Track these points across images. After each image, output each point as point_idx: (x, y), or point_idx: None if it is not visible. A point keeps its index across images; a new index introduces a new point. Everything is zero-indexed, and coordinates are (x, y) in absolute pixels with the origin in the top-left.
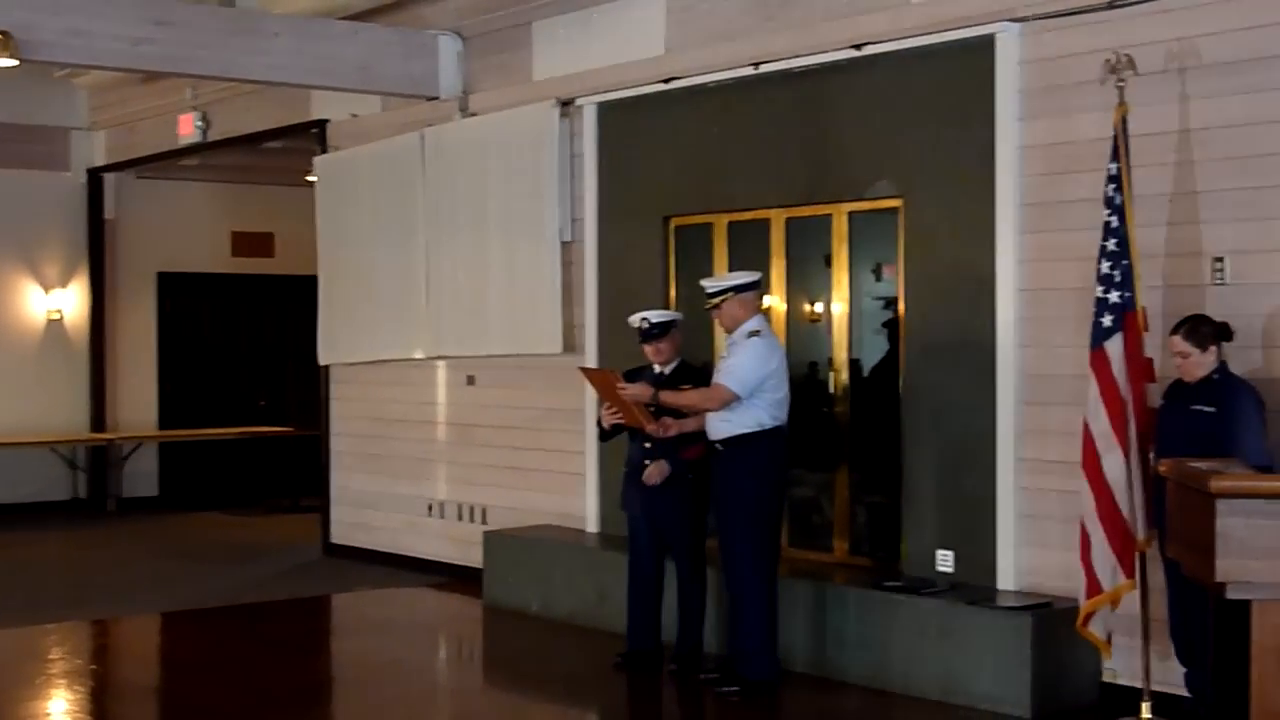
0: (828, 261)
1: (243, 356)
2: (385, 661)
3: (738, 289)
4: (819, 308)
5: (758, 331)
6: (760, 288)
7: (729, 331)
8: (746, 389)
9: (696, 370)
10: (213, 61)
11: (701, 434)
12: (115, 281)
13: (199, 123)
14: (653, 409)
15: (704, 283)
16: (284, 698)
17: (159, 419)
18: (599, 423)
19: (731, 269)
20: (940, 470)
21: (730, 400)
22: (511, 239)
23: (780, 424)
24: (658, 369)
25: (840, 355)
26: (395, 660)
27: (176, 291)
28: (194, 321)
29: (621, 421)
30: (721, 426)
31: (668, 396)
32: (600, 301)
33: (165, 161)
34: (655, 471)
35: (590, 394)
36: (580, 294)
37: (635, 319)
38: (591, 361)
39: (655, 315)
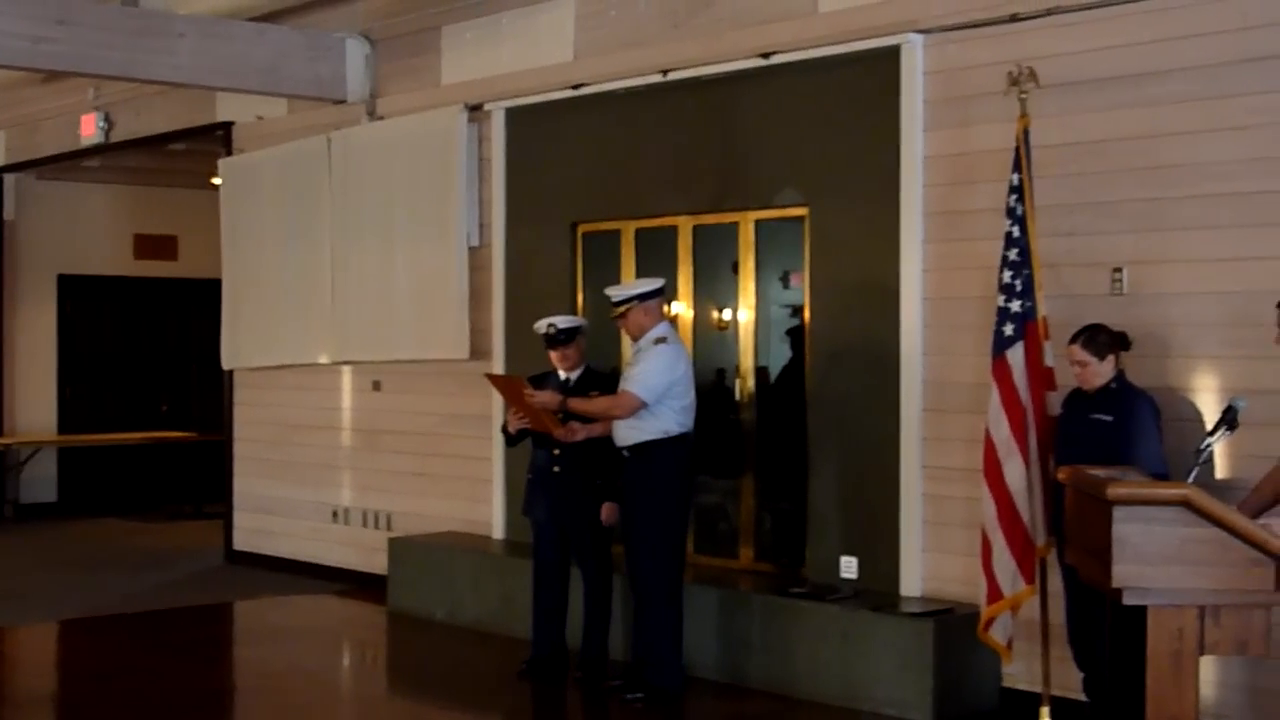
0: (735, 269)
1: (145, 360)
2: (288, 669)
3: (642, 296)
4: (726, 315)
5: (664, 339)
6: (665, 295)
7: (635, 339)
8: (653, 396)
9: (603, 377)
10: (116, 61)
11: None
12: (14, 284)
13: (102, 123)
14: (560, 415)
15: (609, 291)
16: (185, 706)
17: (58, 423)
18: (504, 428)
19: (639, 276)
20: (844, 477)
21: (637, 407)
22: (418, 243)
23: (687, 431)
24: (564, 375)
25: (747, 362)
26: (298, 668)
27: (77, 294)
28: (95, 325)
29: (528, 427)
30: (628, 434)
31: (576, 403)
32: (507, 307)
33: (67, 162)
34: (611, 513)
35: (497, 399)
36: (487, 299)
37: (542, 324)
38: (498, 367)
39: (562, 321)
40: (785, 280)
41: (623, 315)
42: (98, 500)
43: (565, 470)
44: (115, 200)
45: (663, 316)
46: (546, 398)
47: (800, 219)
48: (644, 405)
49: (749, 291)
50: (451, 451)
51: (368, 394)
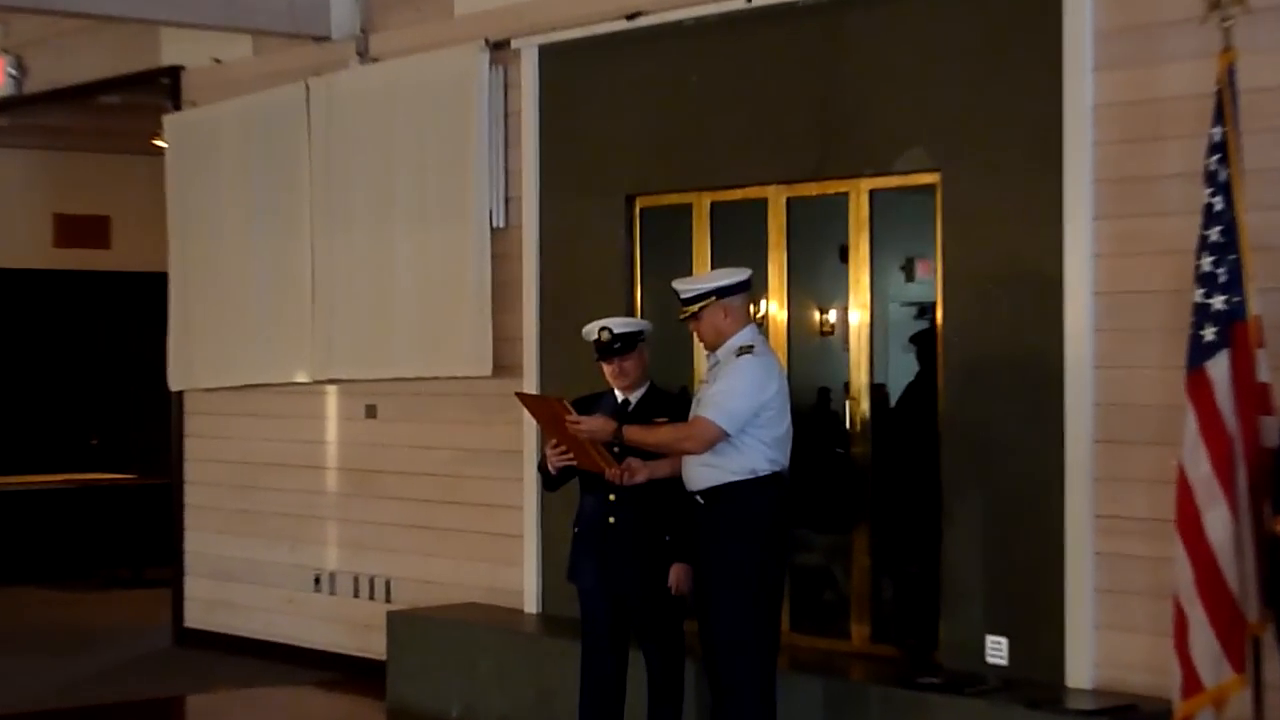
0: (843, 255)
1: (69, 379)
2: None
3: (722, 292)
4: (832, 316)
5: (750, 348)
6: (751, 290)
7: (711, 349)
8: (736, 423)
9: (671, 398)
10: None
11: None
12: None
13: (11, 70)
14: (615, 449)
15: (678, 285)
16: None
17: None
18: (541, 466)
19: (715, 265)
20: (991, 530)
21: (715, 438)
22: (426, 225)
23: (780, 469)
24: (620, 396)
25: (859, 379)
26: None
27: None
28: (3, 332)
29: (573, 464)
30: (703, 473)
31: (634, 433)
32: (543, 307)
33: None
34: (682, 578)
35: (531, 428)
36: (516, 297)
37: (592, 329)
38: (531, 386)
39: (618, 324)
40: (910, 270)
41: (695, 317)
42: (12, 563)
43: (622, 522)
44: (29, 170)
45: (749, 319)
46: (597, 425)
47: (930, 189)
48: (724, 436)
49: (862, 285)
50: (470, 498)
51: (360, 423)
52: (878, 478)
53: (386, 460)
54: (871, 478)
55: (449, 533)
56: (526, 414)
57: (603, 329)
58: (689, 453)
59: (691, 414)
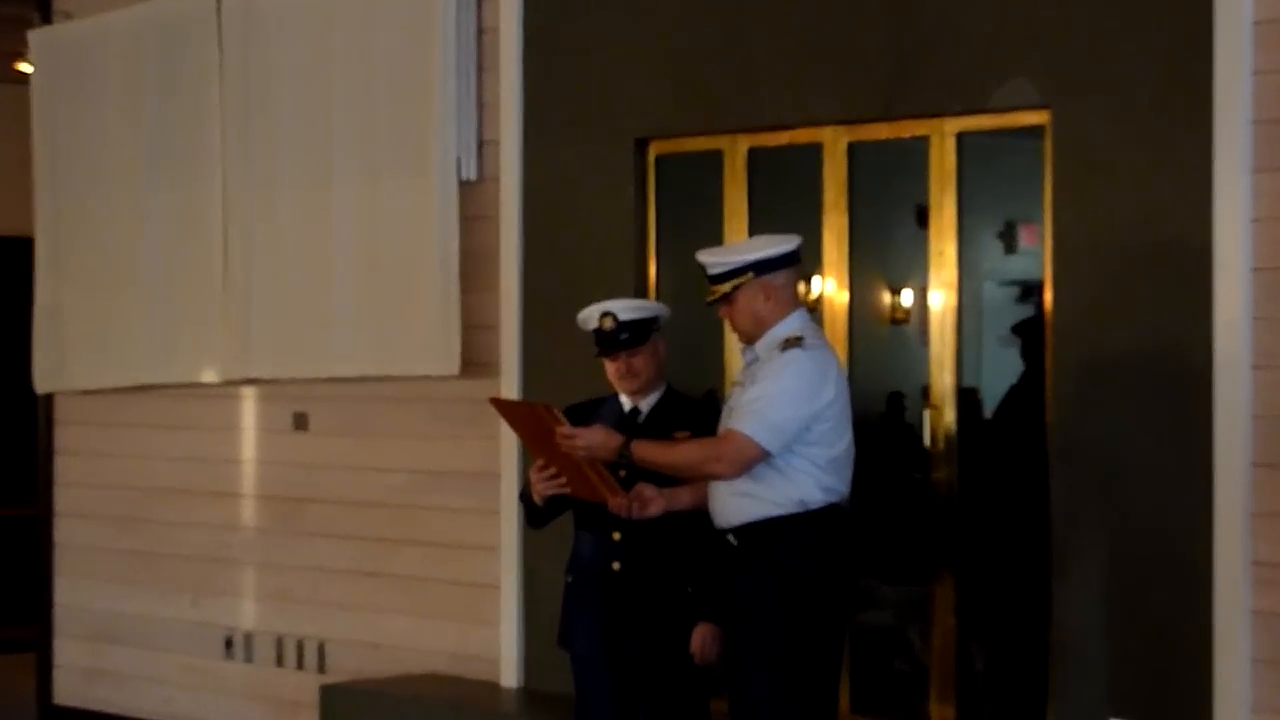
0: (921, 218)
1: None
2: None
3: (762, 266)
4: (906, 299)
5: (798, 340)
6: (800, 263)
7: (748, 341)
8: (779, 439)
9: (693, 406)
10: None
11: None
12: None
13: None
14: (621, 472)
15: (705, 257)
16: None
17: None
18: (524, 495)
19: (754, 231)
20: (1115, 583)
21: (752, 459)
22: (374, 178)
23: (837, 500)
24: (628, 403)
25: (942, 381)
26: None
27: None
28: None
29: (566, 492)
30: (737, 505)
31: (646, 450)
32: (527, 286)
33: None
34: (708, 642)
35: (510, 444)
36: (492, 272)
37: (591, 316)
38: (511, 390)
39: (624, 309)
40: (1010, 238)
41: (728, 299)
42: None
43: (630, 569)
44: None
45: (797, 302)
46: (597, 440)
47: (1036, 132)
48: (764, 456)
49: (946, 258)
50: (432, 536)
51: (287, 437)
52: (967, 512)
53: (321, 486)
54: (958, 512)
55: (403, 581)
56: (505, 425)
57: (605, 314)
58: (718, 477)
59: (721, 426)
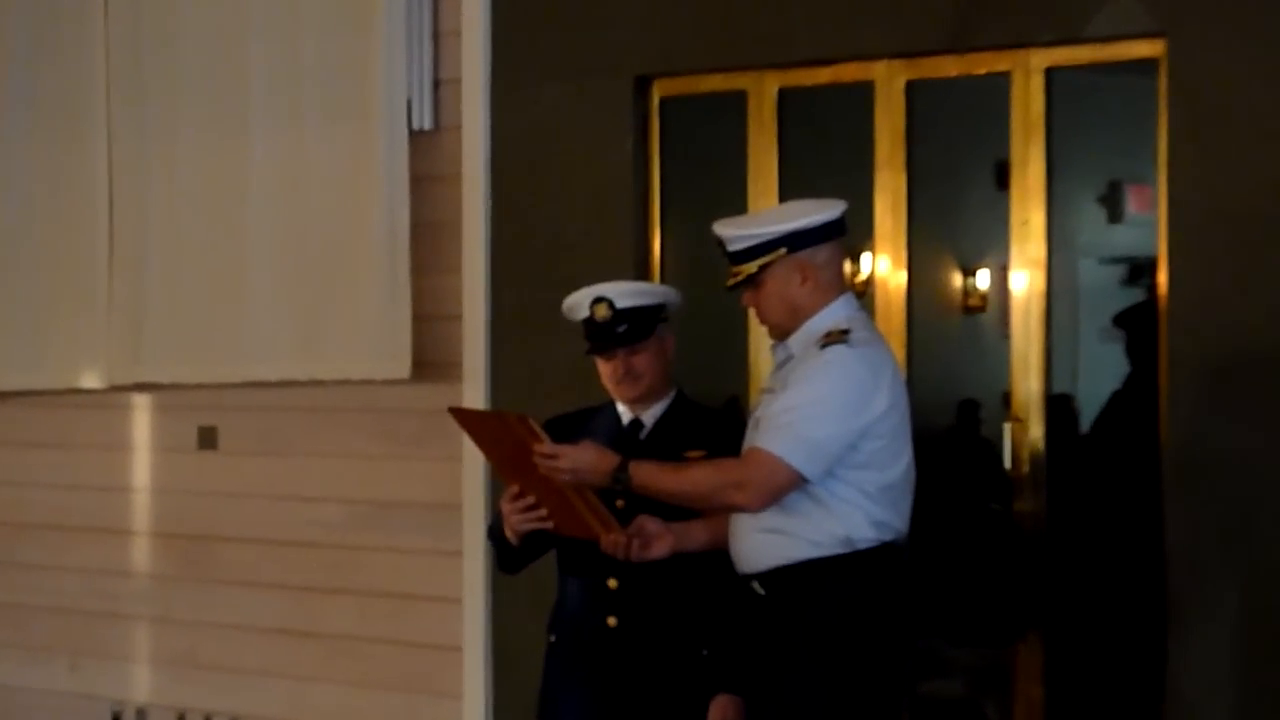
0: (1001, 178)
1: None
2: None
3: (797, 240)
4: (982, 281)
5: (844, 334)
6: (846, 236)
7: (780, 335)
8: (818, 461)
9: (709, 417)
10: None
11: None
12: None
13: None
14: (618, 502)
15: (724, 229)
16: None
17: None
18: (494, 531)
19: (786, 196)
20: (1250, 643)
21: (784, 486)
22: (301, 128)
23: (893, 539)
24: (627, 413)
25: (1028, 386)
26: None
27: None
28: None
29: (547, 528)
30: (765, 544)
31: (649, 474)
32: (497, 265)
33: None
34: (728, 719)
35: (477, 465)
36: (453, 248)
37: (580, 302)
38: (477, 398)
39: (622, 295)
40: (1114, 203)
41: (754, 282)
42: None
43: (629, 625)
44: None
45: (842, 285)
46: (586, 460)
47: (1148, 67)
48: (798, 481)
49: (1033, 229)
50: (376, 584)
51: (190, 458)
52: (1058, 553)
53: (233, 520)
54: (1048, 553)
55: (338, 643)
56: (469, 442)
57: (598, 301)
58: (740, 509)
59: (745, 444)
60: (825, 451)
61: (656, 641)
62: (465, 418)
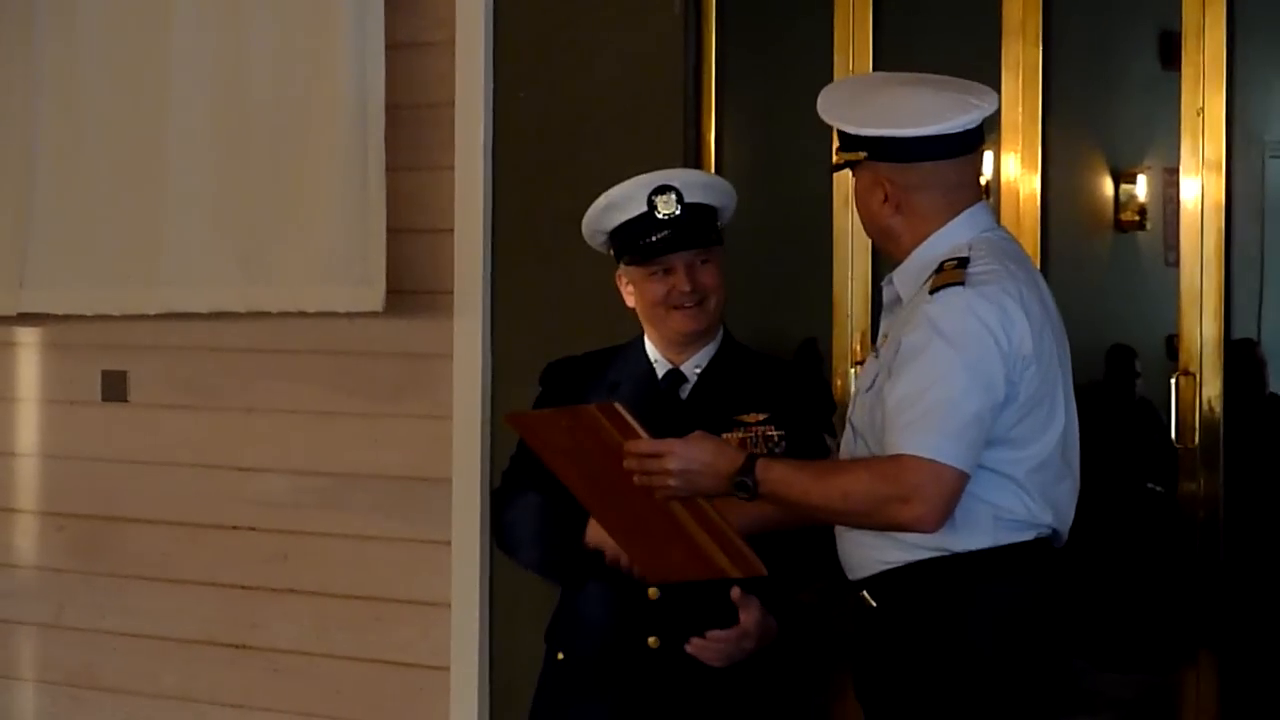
0: (1167, 55)
1: None
2: None
3: (876, 146)
4: (1139, 189)
5: (959, 269)
6: (959, 152)
7: (887, 254)
8: (971, 452)
9: (772, 369)
10: None
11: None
12: None
13: None
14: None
15: (822, 97)
16: None
17: None
18: (550, 563)
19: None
20: None
21: (957, 492)
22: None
23: (1046, 533)
24: (663, 360)
25: (1201, 330)
26: None
27: None
28: None
29: (640, 577)
30: (876, 546)
31: (781, 478)
32: (499, 161)
33: None
34: None
35: (470, 427)
36: (444, 140)
37: (635, 191)
38: (471, 337)
39: (694, 184)
40: None
41: (853, 171)
42: None
43: (676, 646)
44: None
45: (966, 197)
46: (702, 457)
47: None
48: (965, 482)
49: (1211, 121)
50: (334, 583)
51: (91, 412)
52: (1237, 550)
53: (148, 495)
54: (1224, 550)
55: (286, 659)
56: (461, 399)
57: (661, 190)
58: (909, 528)
59: (860, 417)
60: (974, 439)
61: (714, 669)
62: (528, 424)
